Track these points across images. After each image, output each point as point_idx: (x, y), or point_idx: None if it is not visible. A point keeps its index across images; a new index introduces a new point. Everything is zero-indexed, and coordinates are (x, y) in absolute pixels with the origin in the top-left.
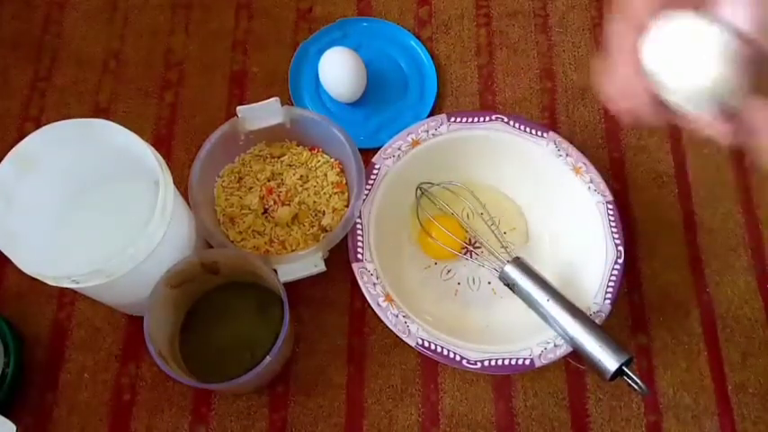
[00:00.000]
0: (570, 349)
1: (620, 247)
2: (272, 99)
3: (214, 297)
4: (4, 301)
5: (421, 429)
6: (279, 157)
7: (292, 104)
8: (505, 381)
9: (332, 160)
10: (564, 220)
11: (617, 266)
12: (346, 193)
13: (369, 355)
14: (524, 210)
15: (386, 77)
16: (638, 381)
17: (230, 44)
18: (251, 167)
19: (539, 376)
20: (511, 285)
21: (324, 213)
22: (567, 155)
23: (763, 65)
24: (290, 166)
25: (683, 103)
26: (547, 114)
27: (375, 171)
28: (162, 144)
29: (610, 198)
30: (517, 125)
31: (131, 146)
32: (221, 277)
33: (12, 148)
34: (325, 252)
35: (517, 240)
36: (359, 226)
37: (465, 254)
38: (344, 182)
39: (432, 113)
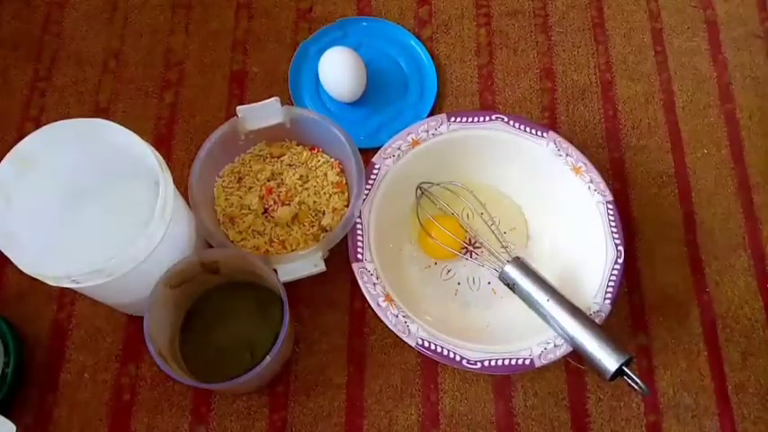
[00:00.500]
0: (570, 349)
1: (620, 247)
2: (272, 99)
3: (214, 297)
4: (4, 301)
5: (421, 429)
6: (279, 157)
7: (292, 104)
8: (505, 381)
9: (332, 160)
10: (564, 220)
11: (617, 266)
12: (346, 193)
13: (369, 355)
14: (524, 210)
15: (386, 77)
16: (638, 381)
17: (230, 44)
18: (251, 167)
19: (539, 376)
20: (511, 285)
21: (324, 213)
22: (566, 155)
23: None
24: (290, 165)
25: None
26: (547, 114)
27: (375, 171)
28: (162, 144)
29: (610, 198)
30: (517, 125)
31: (131, 146)
32: (221, 277)
33: (12, 148)
34: (325, 252)
35: (517, 240)
36: (359, 226)
37: (465, 254)
38: (344, 182)
39: (432, 113)
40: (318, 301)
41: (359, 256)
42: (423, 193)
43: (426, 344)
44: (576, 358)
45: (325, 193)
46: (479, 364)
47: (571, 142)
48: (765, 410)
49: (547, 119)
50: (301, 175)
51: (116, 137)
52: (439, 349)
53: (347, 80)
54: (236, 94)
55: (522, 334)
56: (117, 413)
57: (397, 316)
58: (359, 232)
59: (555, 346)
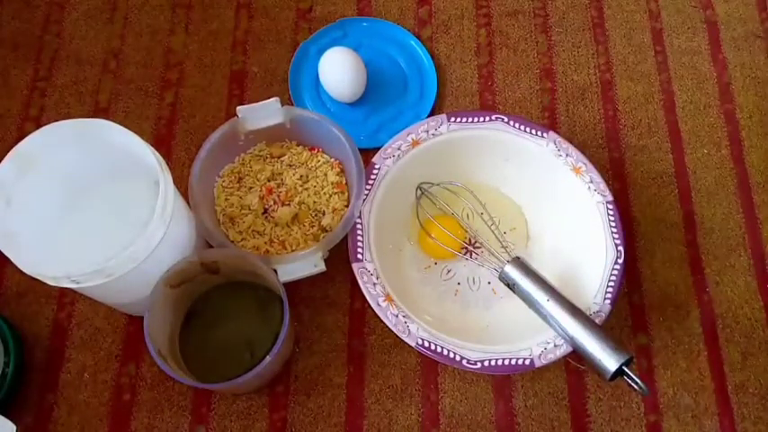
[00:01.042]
0: (570, 349)
1: (620, 247)
2: (272, 99)
3: (214, 297)
4: (4, 301)
5: (421, 429)
6: (279, 157)
7: (292, 104)
8: (505, 381)
9: (332, 160)
10: (564, 220)
11: (617, 266)
12: (346, 193)
13: (369, 355)
14: (524, 210)
15: (386, 77)
16: (638, 381)
17: (230, 44)
18: (251, 167)
19: (539, 376)
20: (511, 285)
21: (324, 213)
22: (566, 155)
23: None
24: (290, 166)
25: None
26: (547, 114)
27: (375, 171)
28: (162, 144)
29: (610, 198)
30: (517, 125)
31: (131, 146)
32: (221, 277)
33: (12, 148)
34: (325, 252)
35: (517, 240)
36: (359, 226)
37: (465, 254)
38: (344, 182)
39: (432, 113)
40: (318, 301)
41: (359, 256)
42: (423, 193)
43: (426, 344)
44: (576, 358)
45: (325, 193)
46: (479, 364)
47: (571, 142)
48: (765, 410)
49: (547, 119)
50: (301, 176)
51: (116, 137)
52: (439, 349)
53: (347, 80)
54: (236, 94)
55: (522, 334)
56: (117, 413)
57: (397, 316)
58: (359, 232)
59: (555, 346)
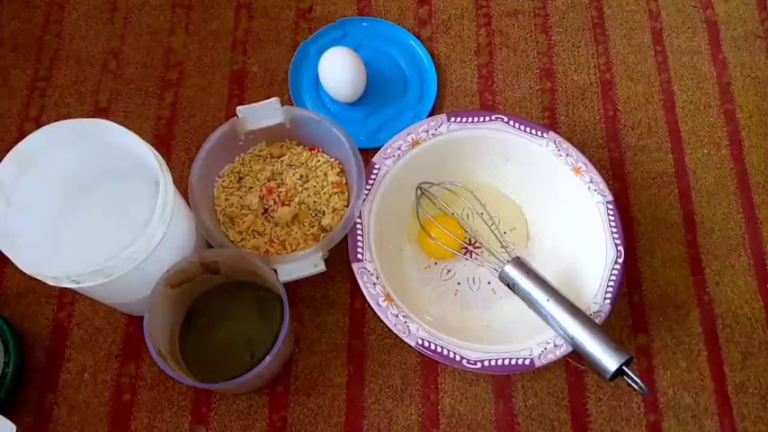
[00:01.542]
0: (570, 349)
1: (620, 247)
2: (272, 99)
3: (214, 297)
4: (4, 301)
5: (421, 429)
6: (279, 157)
7: (292, 104)
8: (505, 381)
9: (332, 160)
10: (564, 220)
11: (617, 266)
12: (346, 193)
13: (369, 355)
14: (524, 210)
15: (386, 77)
16: (638, 381)
17: (230, 44)
18: (251, 167)
19: (539, 376)
20: (511, 285)
21: (324, 213)
22: (567, 155)
23: None
24: (290, 166)
25: None
26: (547, 114)
27: (375, 171)
28: (162, 144)
29: (610, 198)
30: (517, 125)
31: (131, 146)
32: (221, 277)
33: (12, 147)
34: (325, 252)
35: (517, 240)
36: (359, 226)
37: (465, 254)
38: (344, 182)
39: (432, 113)
40: (318, 301)
41: (359, 256)
42: (423, 193)
43: (426, 344)
44: (576, 358)
45: (325, 193)
46: (479, 364)
47: (571, 142)
48: (765, 410)
49: (547, 119)
50: (301, 176)
51: (116, 137)
52: (439, 349)
53: (347, 80)
54: (236, 94)
55: (522, 334)
56: (117, 413)
57: (397, 316)
58: (359, 232)
59: (555, 346)
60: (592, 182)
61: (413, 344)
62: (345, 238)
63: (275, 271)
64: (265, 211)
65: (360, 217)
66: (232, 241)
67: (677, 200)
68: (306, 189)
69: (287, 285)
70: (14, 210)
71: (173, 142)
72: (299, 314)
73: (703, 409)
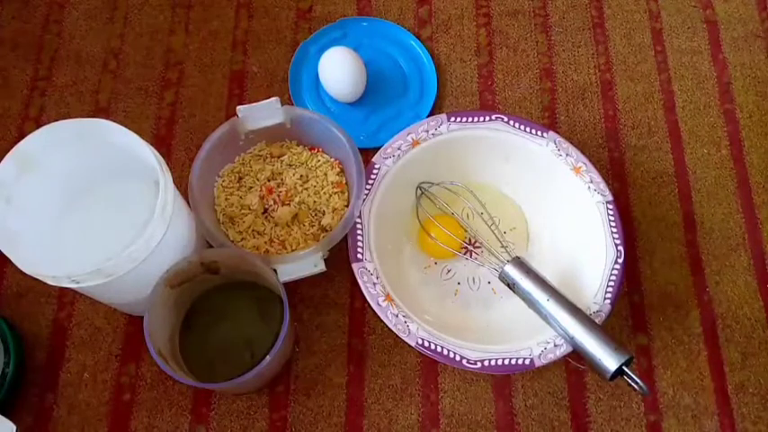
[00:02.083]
0: (570, 349)
1: (620, 247)
2: (272, 99)
3: (214, 297)
4: (4, 301)
5: (421, 429)
6: (279, 157)
7: (292, 104)
8: (505, 381)
9: (332, 160)
10: (564, 220)
11: (617, 266)
12: (346, 193)
13: (369, 355)
14: (524, 210)
15: (386, 77)
16: (638, 381)
17: (230, 44)
18: (251, 167)
19: (539, 376)
20: (511, 285)
21: (324, 213)
22: (567, 155)
23: None
24: (290, 165)
25: None
26: (547, 114)
27: (375, 171)
28: (162, 144)
29: (610, 198)
30: (517, 125)
31: (131, 146)
32: (221, 277)
33: (12, 147)
34: (325, 252)
35: (517, 240)
36: (359, 226)
37: (465, 254)
38: (344, 182)
39: (432, 113)
40: (318, 301)
41: (359, 256)
42: (423, 193)
43: (426, 344)
44: (576, 358)
45: (325, 193)
46: (479, 364)
47: (571, 142)
48: (765, 410)
49: (547, 119)
50: (301, 175)
51: (116, 137)
52: (439, 349)
53: (347, 80)
54: (236, 94)
55: (522, 334)
56: (117, 413)
57: (397, 316)
58: (359, 232)
59: (555, 346)
60: (592, 182)
61: (413, 344)
62: (345, 238)
63: (275, 271)
64: (265, 210)
65: (360, 217)
66: (232, 241)
67: (677, 200)
68: (306, 189)
69: (287, 285)
70: (14, 209)
71: (173, 142)
72: (299, 314)
73: (703, 409)
